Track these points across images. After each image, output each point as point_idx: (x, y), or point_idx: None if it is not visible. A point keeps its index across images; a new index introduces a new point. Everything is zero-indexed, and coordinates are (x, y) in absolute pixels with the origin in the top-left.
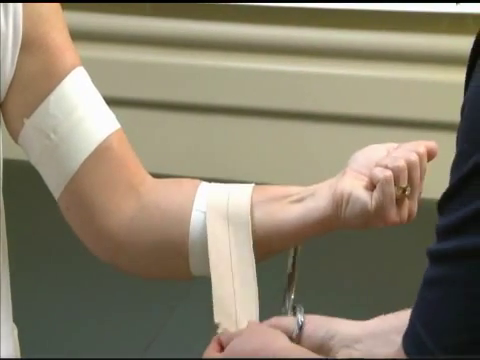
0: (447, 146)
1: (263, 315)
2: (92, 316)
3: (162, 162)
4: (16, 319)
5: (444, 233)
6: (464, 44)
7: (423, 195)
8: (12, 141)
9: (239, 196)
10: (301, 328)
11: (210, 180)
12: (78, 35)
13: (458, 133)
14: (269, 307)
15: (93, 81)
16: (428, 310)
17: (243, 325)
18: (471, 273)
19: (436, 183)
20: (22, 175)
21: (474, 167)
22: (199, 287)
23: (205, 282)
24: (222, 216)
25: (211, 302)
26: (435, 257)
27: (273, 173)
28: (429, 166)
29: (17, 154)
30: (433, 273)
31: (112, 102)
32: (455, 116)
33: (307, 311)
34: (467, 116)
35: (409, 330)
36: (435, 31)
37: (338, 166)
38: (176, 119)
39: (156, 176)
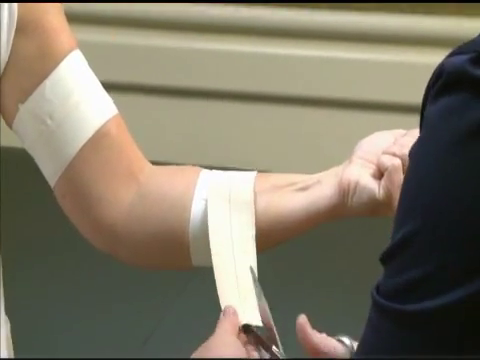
0: None
1: None
2: (90, 311)
3: (159, 148)
4: (12, 313)
5: (385, 291)
6: (473, 27)
7: None
8: (7, 128)
9: (242, 181)
10: None
11: (209, 167)
12: (75, 18)
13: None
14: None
15: (89, 65)
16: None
17: (247, 312)
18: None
19: None
20: (17, 163)
21: (408, 235)
22: (198, 281)
23: (203, 277)
24: (224, 199)
25: (210, 297)
26: (379, 308)
27: (273, 159)
28: None
29: (12, 141)
30: (376, 321)
31: (108, 87)
32: None
33: (305, 310)
34: (411, 178)
35: None
36: (443, 13)
37: (340, 152)
38: (173, 104)
39: (153, 163)
